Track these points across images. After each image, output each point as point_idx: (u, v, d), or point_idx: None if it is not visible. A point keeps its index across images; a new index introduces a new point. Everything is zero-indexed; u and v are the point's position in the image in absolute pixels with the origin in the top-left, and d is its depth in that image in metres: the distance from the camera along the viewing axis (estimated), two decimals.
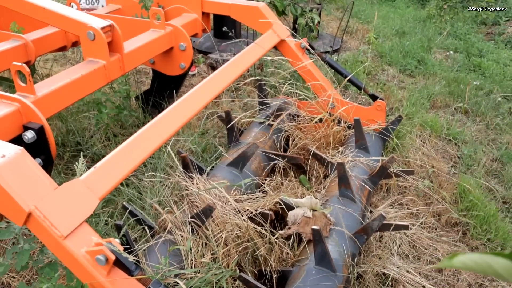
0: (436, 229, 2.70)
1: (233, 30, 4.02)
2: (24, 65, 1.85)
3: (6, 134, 1.76)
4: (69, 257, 1.27)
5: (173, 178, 2.29)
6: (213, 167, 2.40)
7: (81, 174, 1.50)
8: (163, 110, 3.19)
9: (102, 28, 2.21)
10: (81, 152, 1.80)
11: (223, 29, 4.06)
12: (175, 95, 3.09)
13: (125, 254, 1.25)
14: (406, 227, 2.22)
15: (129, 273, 1.27)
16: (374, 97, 3.03)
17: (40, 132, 1.81)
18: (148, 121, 3.19)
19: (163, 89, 3.13)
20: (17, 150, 1.32)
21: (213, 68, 3.97)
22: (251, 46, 2.74)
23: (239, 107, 3.34)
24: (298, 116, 2.89)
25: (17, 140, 1.80)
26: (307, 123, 2.84)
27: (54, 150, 1.88)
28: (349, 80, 3.03)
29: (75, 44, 3.04)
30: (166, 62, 2.92)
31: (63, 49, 2.98)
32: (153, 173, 2.50)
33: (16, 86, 1.93)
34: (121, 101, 3.16)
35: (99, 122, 2.88)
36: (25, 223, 1.28)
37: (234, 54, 4.25)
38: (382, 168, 2.47)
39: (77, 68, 2.20)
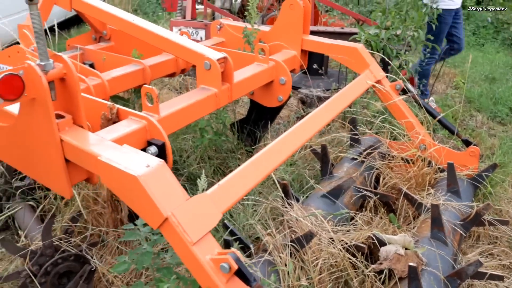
0: None
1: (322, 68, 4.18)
2: (154, 88, 2.08)
3: (134, 146, 1.97)
4: (194, 262, 1.42)
5: (268, 202, 2.41)
6: (307, 196, 2.51)
7: (203, 190, 1.67)
8: (256, 139, 3.40)
9: (218, 60, 2.43)
10: (203, 170, 1.97)
11: (313, 66, 4.23)
12: (269, 125, 3.26)
13: (246, 265, 1.37)
14: (501, 278, 2.18)
15: (248, 283, 1.39)
16: (467, 143, 3.01)
17: (162, 148, 2.01)
18: (241, 148, 3.41)
19: (259, 119, 3.31)
20: (158, 162, 1.51)
21: (303, 102, 4.12)
22: (350, 85, 2.85)
23: (327, 142, 3.44)
24: (388, 155, 2.94)
25: None
26: (398, 162, 2.88)
27: (171, 165, 2.07)
28: (442, 124, 3.05)
29: (183, 71, 3.31)
30: (265, 94, 3.09)
31: (172, 75, 3.26)
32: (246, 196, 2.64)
33: (144, 106, 2.16)
34: (217, 127, 3.37)
35: (199, 145, 3.10)
36: (159, 226, 1.44)
37: (324, 90, 4.40)
38: (476, 214, 2.44)
39: (192, 94, 2.42)
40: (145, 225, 1.74)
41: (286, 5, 3.20)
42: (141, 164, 1.48)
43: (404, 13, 3.61)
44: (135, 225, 1.73)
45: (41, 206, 2.65)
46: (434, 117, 3.01)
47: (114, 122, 2.12)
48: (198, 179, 1.68)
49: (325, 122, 2.50)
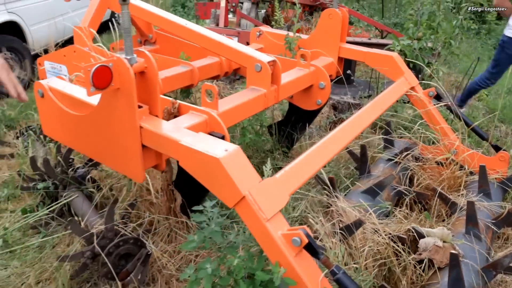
0: None
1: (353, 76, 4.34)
2: (214, 85, 2.27)
3: None
4: (267, 237, 1.58)
5: (314, 196, 2.58)
6: (345, 194, 2.67)
7: (268, 175, 1.84)
8: (293, 140, 3.58)
9: (268, 62, 2.61)
10: (268, 158, 2.14)
11: (347, 72, 4.40)
12: (306, 128, 3.43)
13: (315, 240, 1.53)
14: None
15: (317, 256, 1.55)
16: (497, 148, 3.17)
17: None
18: (278, 149, 3.58)
19: (296, 121, 3.49)
20: (235, 147, 1.69)
21: (335, 108, 4.30)
22: (387, 91, 3.02)
23: (359, 145, 3.60)
24: (422, 158, 3.10)
25: None
26: (431, 165, 3.03)
27: None
28: (475, 131, 3.20)
29: (226, 74, 3.50)
30: (304, 97, 3.27)
31: (216, 77, 3.44)
32: None
33: (203, 102, 2.34)
34: (255, 128, 3.54)
35: (240, 143, 3.28)
36: (235, 205, 1.62)
37: (354, 98, 4.57)
38: (508, 213, 2.58)
39: (243, 93, 2.60)
40: (213, 207, 1.91)
41: (326, 14, 3.39)
42: (220, 148, 1.66)
43: (436, 25, 3.79)
44: (204, 207, 1.90)
45: (100, 194, 2.84)
46: (468, 125, 3.16)
47: (175, 116, 2.31)
48: (264, 166, 1.85)
49: (366, 125, 2.66)
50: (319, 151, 2.16)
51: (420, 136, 3.19)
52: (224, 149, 1.66)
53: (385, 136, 3.31)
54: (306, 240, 1.53)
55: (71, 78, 2.50)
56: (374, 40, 5.58)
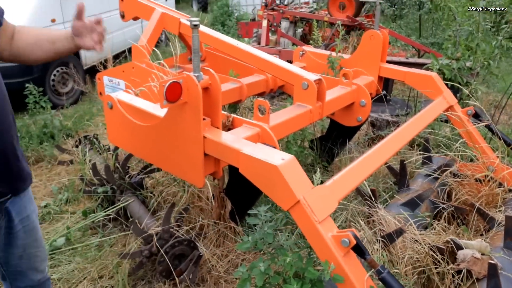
0: None
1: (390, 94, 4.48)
2: (267, 101, 2.47)
3: None
4: (319, 237, 1.75)
5: (355, 206, 2.73)
6: (385, 206, 2.81)
7: (317, 184, 2.02)
8: (333, 155, 3.74)
9: (315, 81, 2.80)
10: (319, 169, 2.32)
11: (382, 92, 4.55)
12: (347, 143, 3.59)
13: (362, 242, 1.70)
14: None
15: (364, 256, 1.71)
16: None
17: None
18: (319, 163, 3.74)
19: (337, 137, 3.65)
20: (290, 156, 1.88)
21: (373, 125, 4.45)
22: (426, 109, 3.16)
23: (397, 161, 3.73)
24: (461, 174, 3.20)
25: None
26: (469, 181, 3.14)
27: None
28: None
29: (271, 91, 3.71)
30: (346, 114, 3.44)
31: (262, 94, 3.66)
32: None
33: (255, 116, 2.54)
34: (297, 142, 3.73)
35: None
36: (290, 208, 1.80)
37: (391, 115, 4.70)
38: None
39: (290, 109, 2.79)
40: (266, 211, 2.10)
41: (367, 35, 3.57)
42: (277, 157, 1.85)
43: (475, 45, 3.91)
44: (258, 211, 2.09)
45: (157, 199, 3.08)
46: (507, 144, 3.25)
47: (229, 129, 2.52)
48: (314, 175, 2.03)
49: (406, 141, 2.80)
50: (363, 164, 2.33)
51: (459, 154, 3.30)
52: (281, 158, 1.85)
53: (424, 153, 3.43)
54: (354, 241, 1.69)
55: (136, 92, 2.75)
56: (411, 60, 5.71)
